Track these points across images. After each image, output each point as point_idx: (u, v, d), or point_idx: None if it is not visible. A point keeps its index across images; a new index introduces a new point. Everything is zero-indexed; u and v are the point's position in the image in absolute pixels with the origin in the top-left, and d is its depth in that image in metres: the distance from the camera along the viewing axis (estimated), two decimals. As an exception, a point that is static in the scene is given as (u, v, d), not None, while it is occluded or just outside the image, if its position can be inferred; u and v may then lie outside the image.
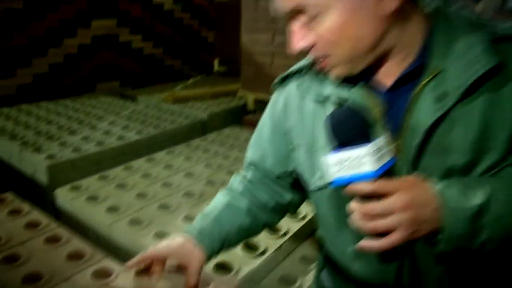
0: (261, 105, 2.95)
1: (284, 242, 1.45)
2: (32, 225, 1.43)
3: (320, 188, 0.75)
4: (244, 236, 0.91)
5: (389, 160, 0.60)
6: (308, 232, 1.57)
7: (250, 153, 0.91)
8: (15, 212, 1.51)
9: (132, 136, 2.65)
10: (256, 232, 0.92)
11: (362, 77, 0.67)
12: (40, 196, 1.90)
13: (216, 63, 5.36)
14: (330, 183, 0.62)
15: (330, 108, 0.70)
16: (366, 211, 0.59)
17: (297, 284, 1.34)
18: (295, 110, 0.78)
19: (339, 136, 0.60)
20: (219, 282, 0.88)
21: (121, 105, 3.49)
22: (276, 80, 0.83)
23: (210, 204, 0.90)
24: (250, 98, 3.58)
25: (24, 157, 2.21)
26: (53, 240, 1.35)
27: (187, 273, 0.81)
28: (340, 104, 0.69)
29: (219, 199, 0.89)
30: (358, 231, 0.62)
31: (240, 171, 0.94)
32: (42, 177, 1.99)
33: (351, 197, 0.61)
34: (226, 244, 0.87)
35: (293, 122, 0.79)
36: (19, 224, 1.43)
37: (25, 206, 1.55)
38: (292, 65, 0.78)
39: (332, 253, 0.83)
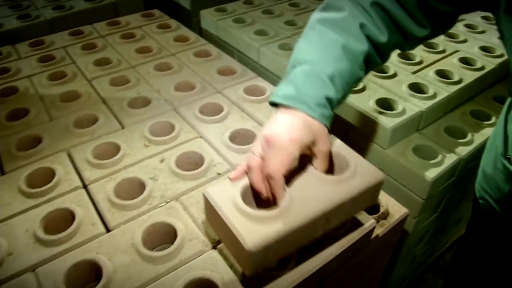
0: None
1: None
2: (181, 39, 1.36)
3: None
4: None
5: None
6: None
7: None
8: (164, 27, 1.45)
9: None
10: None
11: None
12: (182, 20, 1.83)
13: None
14: None
15: None
16: None
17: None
18: None
19: None
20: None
21: None
22: None
23: (316, 51, 0.66)
24: None
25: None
26: (203, 54, 1.28)
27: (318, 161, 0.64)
28: None
29: (329, 45, 0.65)
30: None
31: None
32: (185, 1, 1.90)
33: None
34: (339, 102, 0.67)
35: None
36: (169, 37, 1.37)
37: (173, 23, 1.48)
38: None
39: None
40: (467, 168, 1.09)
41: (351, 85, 0.67)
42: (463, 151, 1.03)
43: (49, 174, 0.84)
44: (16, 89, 1.12)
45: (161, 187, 0.81)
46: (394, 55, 1.27)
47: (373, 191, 0.67)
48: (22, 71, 1.20)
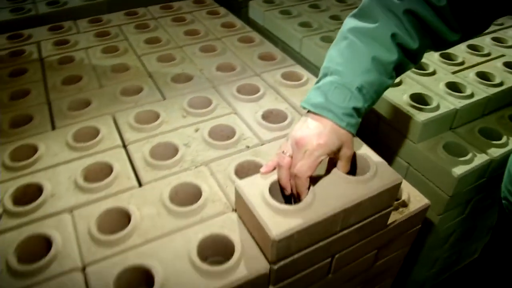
0: None
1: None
2: (228, 26, 1.43)
3: None
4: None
5: None
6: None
7: None
8: (213, 13, 1.52)
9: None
10: None
11: None
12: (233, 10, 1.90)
13: None
14: None
15: None
16: None
17: None
18: None
19: None
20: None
21: None
22: None
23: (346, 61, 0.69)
24: None
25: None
26: (246, 40, 1.33)
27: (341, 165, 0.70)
28: None
29: (359, 57, 0.68)
30: None
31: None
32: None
33: None
34: (367, 109, 0.71)
35: None
36: (216, 23, 1.44)
37: (222, 10, 1.55)
38: None
39: None
40: (499, 172, 1.07)
41: (380, 93, 0.71)
42: (496, 152, 1.02)
43: (94, 133, 0.92)
44: (72, 58, 1.22)
45: (192, 153, 0.87)
46: (436, 54, 1.27)
47: (391, 192, 0.72)
48: (79, 43, 1.31)
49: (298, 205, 0.65)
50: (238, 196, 0.69)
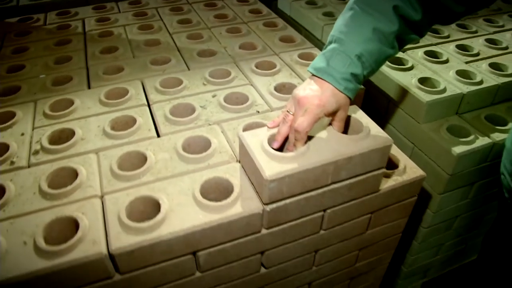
0: None
1: None
2: (255, 12, 1.52)
3: None
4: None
5: None
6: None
7: None
8: (242, 0, 1.62)
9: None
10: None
11: None
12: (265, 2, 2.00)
13: None
14: None
15: None
16: None
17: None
18: None
19: None
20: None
21: None
22: None
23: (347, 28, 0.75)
24: None
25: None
26: (270, 25, 1.42)
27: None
28: None
29: (361, 26, 0.74)
30: None
31: None
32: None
33: None
34: (366, 77, 0.77)
35: None
36: (244, 9, 1.54)
37: (252, -1, 1.65)
38: None
39: None
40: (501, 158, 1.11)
41: (380, 62, 0.77)
42: (499, 136, 1.05)
43: (124, 93, 1.03)
44: (112, 32, 1.35)
45: (207, 114, 0.97)
46: (452, 45, 1.31)
47: (381, 153, 0.78)
48: (119, 21, 1.44)
49: (292, 153, 0.73)
50: (241, 145, 0.78)
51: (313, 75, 0.76)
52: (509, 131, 0.91)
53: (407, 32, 0.76)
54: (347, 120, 0.82)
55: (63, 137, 0.91)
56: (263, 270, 0.89)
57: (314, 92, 0.74)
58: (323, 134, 0.78)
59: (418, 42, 1.33)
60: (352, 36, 0.74)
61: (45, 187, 0.76)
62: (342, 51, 0.74)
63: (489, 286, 1.16)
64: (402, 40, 0.77)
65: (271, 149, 0.73)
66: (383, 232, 1.01)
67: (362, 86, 0.77)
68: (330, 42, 0.77)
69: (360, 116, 0.84)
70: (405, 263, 1.34)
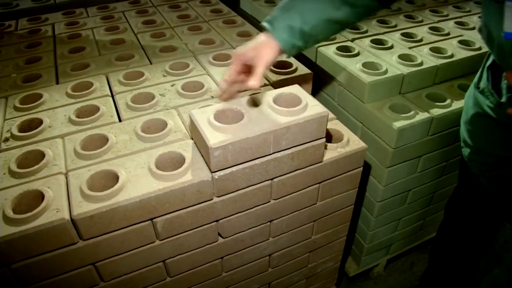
0: None
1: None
2: (216, 11, 1.62)
3: None
4: (334, 30, 0.84)
5: None
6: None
7: None
8: (205, 1, 1.72)
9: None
10: (349, 24, 0.85)
11: None
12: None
13: None
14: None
15: None
16: None
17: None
18: None
19: None
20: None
21: None
22: None
23: None
24: None
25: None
26: (230, 22, 1.52)
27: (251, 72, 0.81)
28: None
29: None
30: None
31: None
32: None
33: None
34: (310, 39, 0.82)
35: None
36: (206, 9, 1.63)
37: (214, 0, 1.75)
38: None
39: None
40: (444, 132, 1.21)
41: (323, 20, 0.81)
42: (438, 112, 1.16)
43: (89, 86, 1.11)
44: (80, 34, 1.43)
45: (166, 100, 1.05)
46: (398, 33, 1.42)
47: (317, 123, 0.87)
48: (87, 24, 1.53)
49: (235, 125, 0.81)
50: (191, 122, 0.86)
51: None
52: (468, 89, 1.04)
53: None
54: (289, 96, 0.91)
55: (33, 126, 0.99)
56: (220, 240, 0.97)
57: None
58: (264, 107, 0.87)
59: (367, 32, 1.44)
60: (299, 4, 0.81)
61: (14, 167, 0.84)
62: (286, 7, 0.81)
63: (452, 255, 1.25)
64: (353, 5, 0.82)
65: (216, 122, 0.81)
66: (335, 204, 1.10)
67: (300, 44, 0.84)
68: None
69: (299, 92, 0.92)
70: (365, 239, 1.43)
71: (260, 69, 0.80)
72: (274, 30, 0.81)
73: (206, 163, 0.84)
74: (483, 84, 0.91)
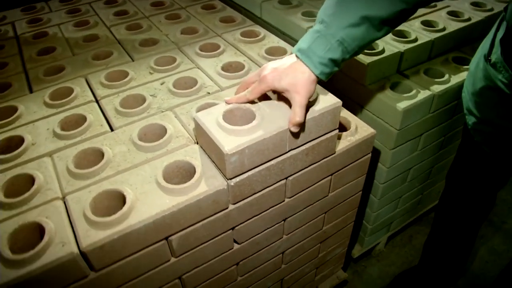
0: None
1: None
2: (192, -4, 1.51)
3: None
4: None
5: None
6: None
7: None
8: (178, -14, 1.60)
9: None
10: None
11: None
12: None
13: None
14: None
15: None
16: None
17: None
18: None
19: None
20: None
21: None
22: None
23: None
24: None
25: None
26: (209, 7, 1.42)
27: (292, 108, 0.74)
28: None
29: (348, 10, 0.69)
30: None
31: None
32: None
33: None
34: (346, 60, 0.74)
35: None
36: (181, -6, 1.52)
37: (187, -17, 1.63)
38: None
39: None
40: (443, 108, 1.18)
41: (364, 45, 0.73)
42: (438, 88, 1.12)
43: (68, 92, 1.01)
44: (46, 33, 1.30)
45: (158, 101, 0.96)
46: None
47: (332, 115, 0.81)
48: (52, 20, 1.38)
49: (248, 126, 0.74)
50: (197, 126, 0.78)
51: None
52: (473, 57, 1.01)
53: (399, 15, 0.71)
54: None
55: (12, 145, 0.88)
56: (236, 246, 0.91)
57: (285, 67, 0.74)
58: (273, 104, 0.80)
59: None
60: (336, 19, 0.70)
61: (1, 197, 0.74)
62: (324, 34, 0.71)
63: (454, 222, 1.25)
64: (392, 23, 0.72)
65: (227, 124, 0.74)
66: (345, 193, 1.06)
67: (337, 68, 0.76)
68: (316, 22, 0.74)
69: None
70: (369, 221, 1.41)
71: (300, 107, 0.74)
72: (314, 66, 0.72)
73: (218, 170, 0.77)
74: (495, 57, 0.87)
